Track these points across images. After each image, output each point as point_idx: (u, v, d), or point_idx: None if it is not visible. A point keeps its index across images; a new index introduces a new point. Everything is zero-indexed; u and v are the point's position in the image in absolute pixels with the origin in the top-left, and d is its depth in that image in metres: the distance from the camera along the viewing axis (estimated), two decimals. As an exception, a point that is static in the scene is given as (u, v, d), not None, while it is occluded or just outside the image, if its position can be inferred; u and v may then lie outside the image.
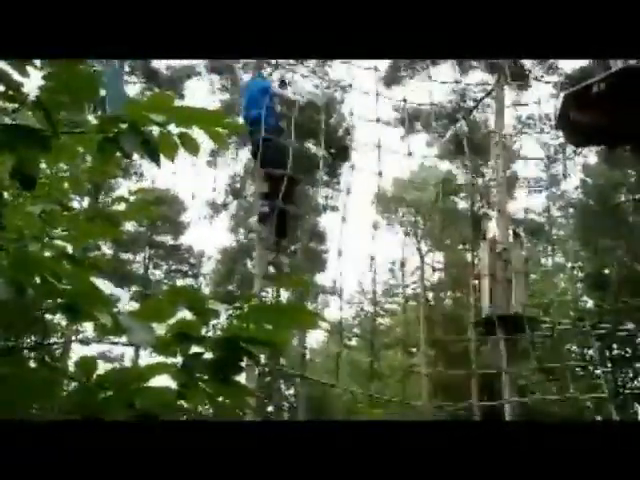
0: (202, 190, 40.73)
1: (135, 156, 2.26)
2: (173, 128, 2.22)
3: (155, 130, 2.19)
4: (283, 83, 10.62)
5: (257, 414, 27.98)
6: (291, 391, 37.24)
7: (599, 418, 29.56)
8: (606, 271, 33.06)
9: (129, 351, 32.44)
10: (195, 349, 1.98)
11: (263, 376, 33.68)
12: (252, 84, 10.48)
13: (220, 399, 2.08)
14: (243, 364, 2.04)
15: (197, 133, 2.28)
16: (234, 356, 1.95)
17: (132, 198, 2.91)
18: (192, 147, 2.25)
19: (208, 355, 1.98)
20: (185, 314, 1.99)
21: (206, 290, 35.28)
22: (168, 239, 39.13)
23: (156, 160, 2.18)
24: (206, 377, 2.00)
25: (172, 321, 1.96)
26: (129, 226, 35.28)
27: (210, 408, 2.12)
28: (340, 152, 31.01)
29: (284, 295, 35.42)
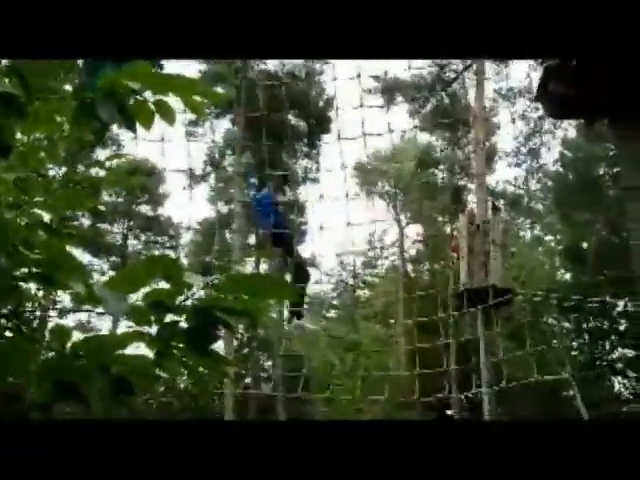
0: (181, 161, 40.45)
1: (113, 127, 2.24)
2: (150, 96, 2.20)
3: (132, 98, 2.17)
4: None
5: (235, 385, 28.07)
6: (269, 362, 37.32)
7: (568, 393, 29.89)
8: (584, 244, 33.26)
9: (107, 322, 32.41)
10: (171, 318, 1.97)
11: (241, 347, 33.78)
12: (260, 199, 12.54)
13: (198, 368, 2.08)
14: (220, 333, 2.03)
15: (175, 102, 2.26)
16: (210, 325, 1.94)
17: (109, 163, 2.88)
18: (168, 115, 2.22)
19: (184, 325, 1.97)
20: (161, 284, 1.98)
21: (185, 261, 35.21)
22: (147, 210, 38.96)
23: (132, 128, 2.16)
24: (182, 345, 1.99)
25: (147, 290, 1.95)
26: (107, 197, 35.12)
27: (187, 377, 2.12)
28: (320, 123, 30.98)
29: (263, 267, 35.42)
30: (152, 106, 2.18)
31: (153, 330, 1.98)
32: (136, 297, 1.95)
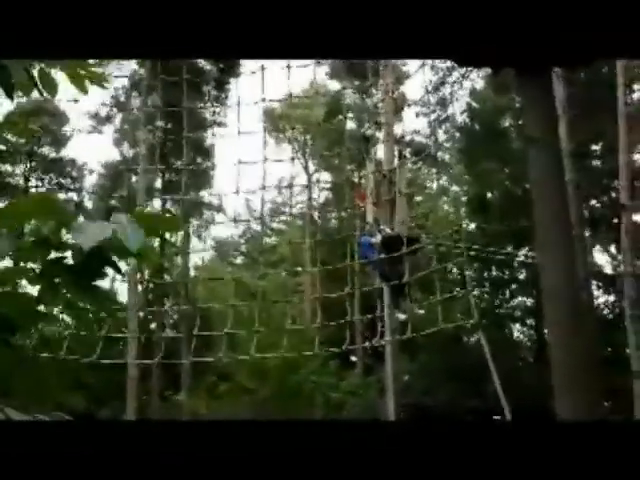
0: (85, 101, 39.53)
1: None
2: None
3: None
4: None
5: (140, 332, 27.88)
6: (174, 308, 37.13)
7: (473, 339, 30.64)
8: (488, 195, 33.85)
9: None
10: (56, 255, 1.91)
11: (146, 293, 33.50)
12: (363, 240, 14.77)
13: (84, 306, 2.02)
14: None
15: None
16: (96, 263, 1.87)
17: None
18: (50, 85, 2.20)
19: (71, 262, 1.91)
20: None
21: (89, 204, 34.60)
22: (49, 151, 37.98)
23: (10, 94, 2.14)
24: (68, 283, 1.93)
25: (32, 226, 1.89)
26: (9, 136, 34.11)
27: (72, 315, 2.07)
28: (229, 67, 30.59)
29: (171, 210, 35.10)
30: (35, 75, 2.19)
31: (37, 267, 1.92)
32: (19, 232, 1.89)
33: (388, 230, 14.61)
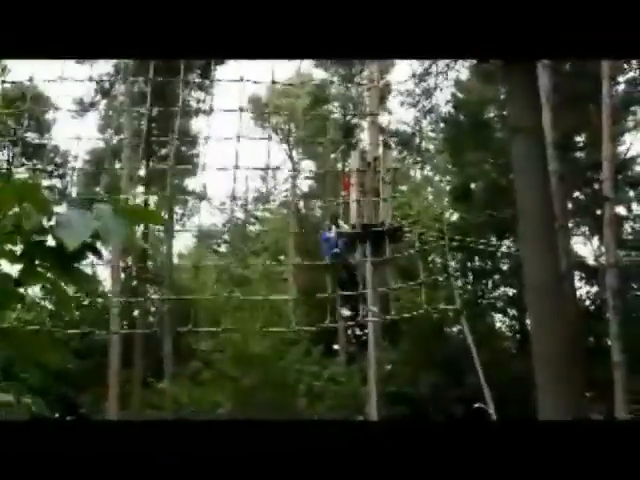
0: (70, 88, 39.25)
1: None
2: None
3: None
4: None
5: (123, 318, 27.80)
6: (157, 295, 37.03)
7: (455, 328, 30.71)
8: (472, 185, 33.86)
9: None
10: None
11: (129, 280, 33.38)
12: (325, 237, 15.45)
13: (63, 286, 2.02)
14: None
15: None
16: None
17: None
18: None
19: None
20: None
21: (72, 190, 34.45)
22: (33, 137, 37.70)
23: None
24: (48, 265, 1.93)
25: (14, 210, 1.88)
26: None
27: (50, 294, 2.06)
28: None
29: (153, 198, 35.01)
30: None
31: (18, 248, 1.92)
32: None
33: (345, 226, 14.73)
